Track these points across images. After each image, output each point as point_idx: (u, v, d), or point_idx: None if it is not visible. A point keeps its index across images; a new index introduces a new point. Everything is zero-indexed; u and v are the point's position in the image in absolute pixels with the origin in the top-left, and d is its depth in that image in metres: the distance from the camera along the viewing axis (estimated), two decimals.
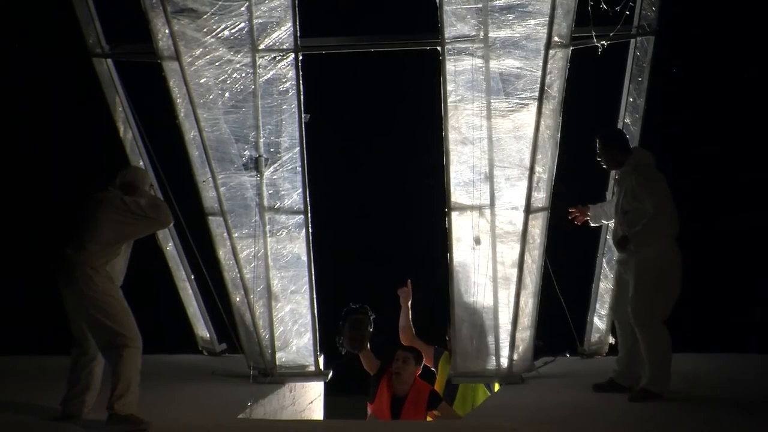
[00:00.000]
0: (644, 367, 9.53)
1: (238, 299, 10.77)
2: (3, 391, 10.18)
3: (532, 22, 9.99)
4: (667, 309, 9.58)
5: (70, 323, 9.19)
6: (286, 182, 10.49)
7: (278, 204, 10.54)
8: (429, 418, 10.16)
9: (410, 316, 10.74)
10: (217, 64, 10.37)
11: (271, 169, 10.49)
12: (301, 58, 10.30)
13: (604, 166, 9.91)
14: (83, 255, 8.96)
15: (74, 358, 9.26)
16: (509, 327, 10.35)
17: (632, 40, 10.78)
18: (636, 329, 9.60)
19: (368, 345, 10.48)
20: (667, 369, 9.50)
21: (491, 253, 10.29)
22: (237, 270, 10.61)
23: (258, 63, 10.32)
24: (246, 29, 10.28)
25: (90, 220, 9.02)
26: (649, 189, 9.54)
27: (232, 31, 10.30)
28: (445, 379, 10.58)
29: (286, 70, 10.33)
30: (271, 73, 10.36)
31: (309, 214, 10.50)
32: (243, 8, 10.24)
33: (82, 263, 8.96)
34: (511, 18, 10.01)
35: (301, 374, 10.73)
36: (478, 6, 9.99)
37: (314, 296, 10.59)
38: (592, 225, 10.25)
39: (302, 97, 10.35)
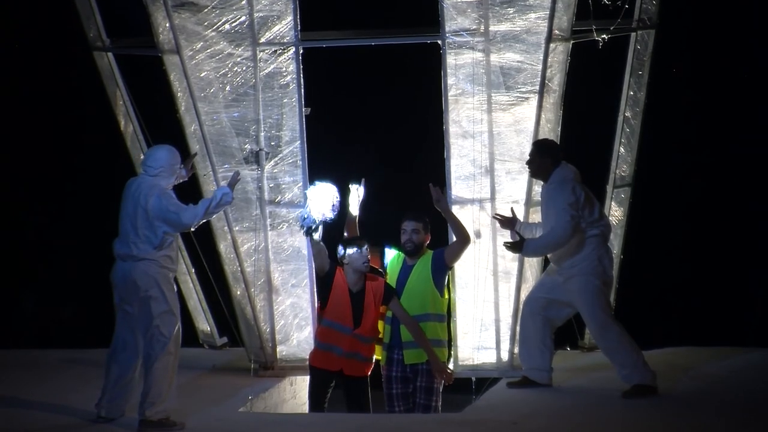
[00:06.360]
0: (619, 369, 9.50)
1: (238, 293, 10.78)
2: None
3: (533, 15, 10.01)
4: (610, 302, 9.73)
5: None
6: (287, 176, 10.50)
7: (279, 197, 10.55)
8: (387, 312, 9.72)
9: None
10: (217, 57, 10.38)
11: (272, 162, 10.50)
12: (301, 51, 10.32)
13: (531, 175, 9.85)
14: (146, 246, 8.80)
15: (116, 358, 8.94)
16: (510, 320, 10.38)
17: (633, 34, 10.77)
18: (597, 341, 9.69)
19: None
20: (642, 358, 9.47)
21: (492, 247, 10.32)
22: (238, 263, 10.62)
23: (259, 57, 10.33)
24: (247, 23, 10.29)
25: None
26: (554, 202, 9.47)
27: (233, 24, 10.32)
28: (395, 278, 9.87)
29: (286, 63, 10.34)
30: (272, 66, 10.37)
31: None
32: (244, 2, 10.25)
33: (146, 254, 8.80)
34: (511, 12, 10.04)
35: (301, 368, 10.71)
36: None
37: (315, 290, 10.60)
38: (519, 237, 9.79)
39: (303, 90, 10.36)
